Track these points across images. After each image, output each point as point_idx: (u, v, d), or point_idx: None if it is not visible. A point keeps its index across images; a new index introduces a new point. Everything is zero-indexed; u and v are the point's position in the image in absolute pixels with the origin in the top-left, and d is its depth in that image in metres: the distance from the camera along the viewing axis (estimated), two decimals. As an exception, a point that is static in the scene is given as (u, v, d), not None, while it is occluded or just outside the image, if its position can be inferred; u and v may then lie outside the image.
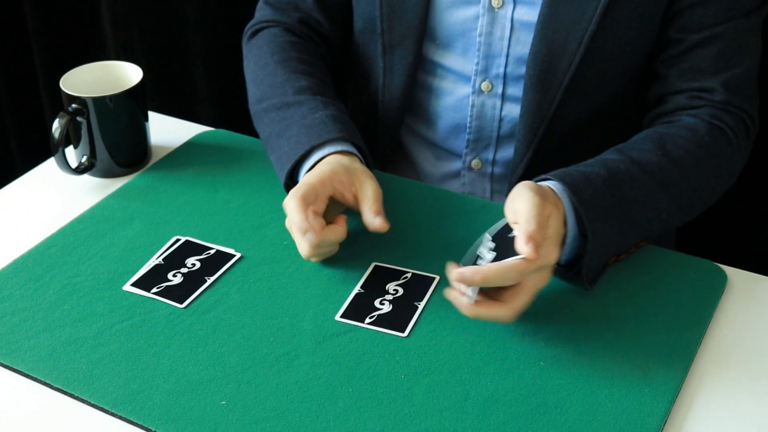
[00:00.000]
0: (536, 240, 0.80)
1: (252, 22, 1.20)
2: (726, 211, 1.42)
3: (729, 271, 0.95)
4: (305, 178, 0.94)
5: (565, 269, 0.91)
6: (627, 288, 0.92)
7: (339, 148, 0.98)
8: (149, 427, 0.77)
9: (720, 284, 0.92)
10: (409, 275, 0.94)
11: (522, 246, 0.80)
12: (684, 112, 1.01)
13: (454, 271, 0.82)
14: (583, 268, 0.88)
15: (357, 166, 0.96)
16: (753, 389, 0.82)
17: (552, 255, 0.82)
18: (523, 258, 0.80)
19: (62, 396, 0.81)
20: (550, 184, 0.89)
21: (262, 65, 1.12)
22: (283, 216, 0.96)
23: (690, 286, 0.92)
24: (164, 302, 0.90)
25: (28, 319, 0.89)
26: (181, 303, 0.90)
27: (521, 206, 0.83)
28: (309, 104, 1.03)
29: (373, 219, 0.92)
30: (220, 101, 1.68)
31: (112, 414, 0.79)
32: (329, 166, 0.95)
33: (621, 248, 0.93)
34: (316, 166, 0.96)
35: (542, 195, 0.84)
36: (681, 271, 0.94)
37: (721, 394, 0.81)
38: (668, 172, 0.94)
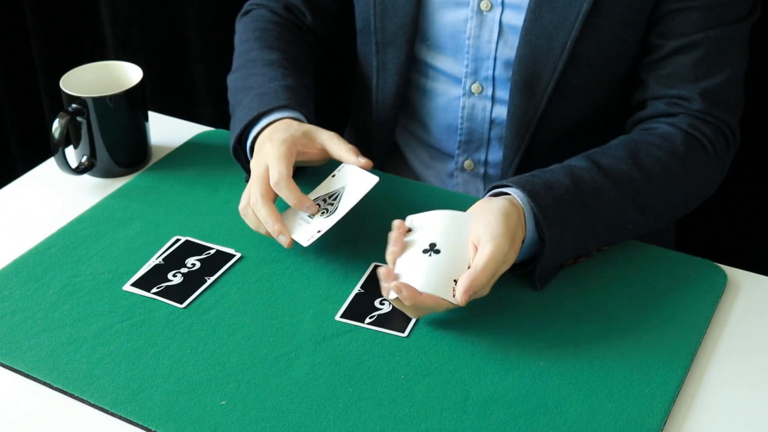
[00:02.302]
0: (473, 290, 0.82)
1: (246, 4, 1.23)
2: (726, 211, 1.42)
3: (729, 271, 0.95)
4: (274, 146, 0.95)
5: (519, 267, 0.93)
6: (627, 288, 0.92)
7: (286, 114, 1.01)
8: (149, 427, 0.77)
9: (720, 284, 0.92)
10: (409, 275, 0.94)
11: (459, 293, 0.82)
12: (662, 119, 1.01)
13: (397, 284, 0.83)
14: (536, 269, 0.90)
15: (306, 125, 1.00)
16: (753, 389, 0.82)
17: (484, 291, 0.85)
18: (453, 302, 0.83)
19: (62, 396, 0.81)
20: (511, 191, 0.90)
21: (243, 40, 1.16)
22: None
23: (690, 286, 0.92)
24: (164, 302, 0.90)
25: (28, 319, 0.89)
26: (181, 303, 0.90)
27: (485, 250, 0.84)
28: (269, 75, 1.07)
29: (358, 159, 0.96)
30: (220, 101, 1.67)
31: (112, 414, 0.79)
32: (285, 131, 0.97)
33: (580, 253, 0.94)
34: (265, 132, 0.99)
35: (508, 232, 0.85)
36: (681, 271, 0.94)
37: (721, 394, 0.81)
38: (637, 182, 0.94)
